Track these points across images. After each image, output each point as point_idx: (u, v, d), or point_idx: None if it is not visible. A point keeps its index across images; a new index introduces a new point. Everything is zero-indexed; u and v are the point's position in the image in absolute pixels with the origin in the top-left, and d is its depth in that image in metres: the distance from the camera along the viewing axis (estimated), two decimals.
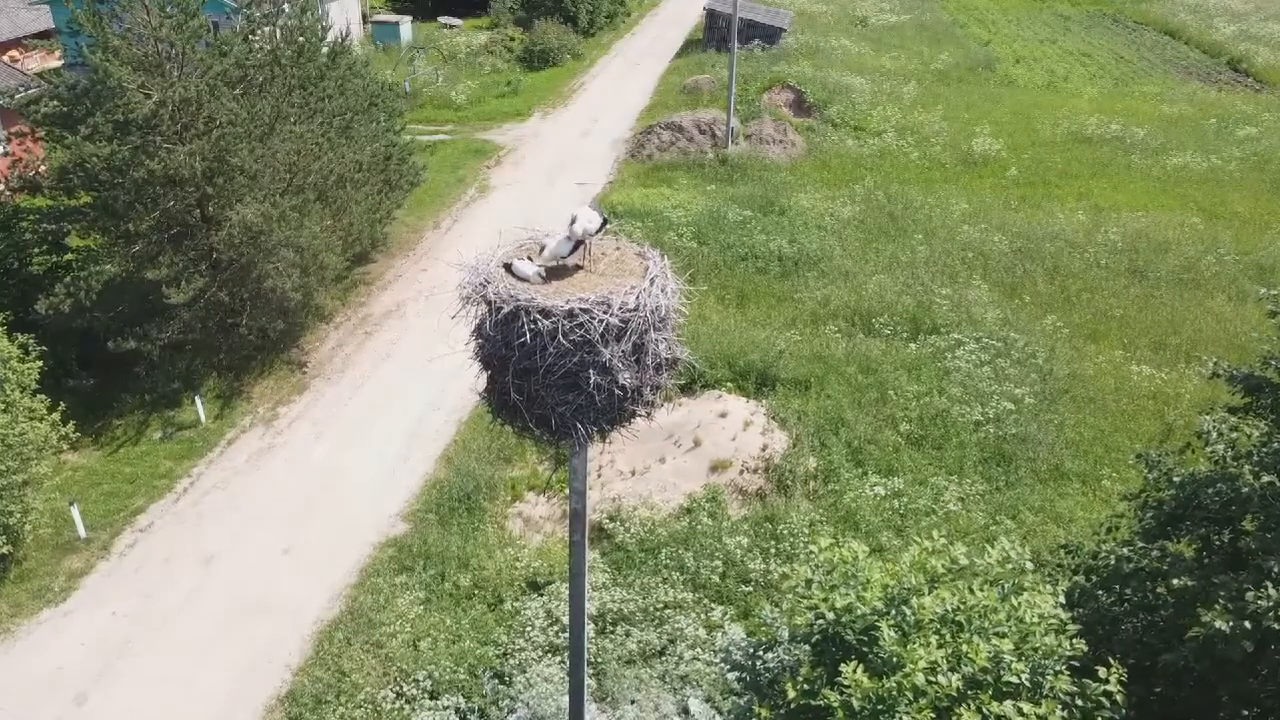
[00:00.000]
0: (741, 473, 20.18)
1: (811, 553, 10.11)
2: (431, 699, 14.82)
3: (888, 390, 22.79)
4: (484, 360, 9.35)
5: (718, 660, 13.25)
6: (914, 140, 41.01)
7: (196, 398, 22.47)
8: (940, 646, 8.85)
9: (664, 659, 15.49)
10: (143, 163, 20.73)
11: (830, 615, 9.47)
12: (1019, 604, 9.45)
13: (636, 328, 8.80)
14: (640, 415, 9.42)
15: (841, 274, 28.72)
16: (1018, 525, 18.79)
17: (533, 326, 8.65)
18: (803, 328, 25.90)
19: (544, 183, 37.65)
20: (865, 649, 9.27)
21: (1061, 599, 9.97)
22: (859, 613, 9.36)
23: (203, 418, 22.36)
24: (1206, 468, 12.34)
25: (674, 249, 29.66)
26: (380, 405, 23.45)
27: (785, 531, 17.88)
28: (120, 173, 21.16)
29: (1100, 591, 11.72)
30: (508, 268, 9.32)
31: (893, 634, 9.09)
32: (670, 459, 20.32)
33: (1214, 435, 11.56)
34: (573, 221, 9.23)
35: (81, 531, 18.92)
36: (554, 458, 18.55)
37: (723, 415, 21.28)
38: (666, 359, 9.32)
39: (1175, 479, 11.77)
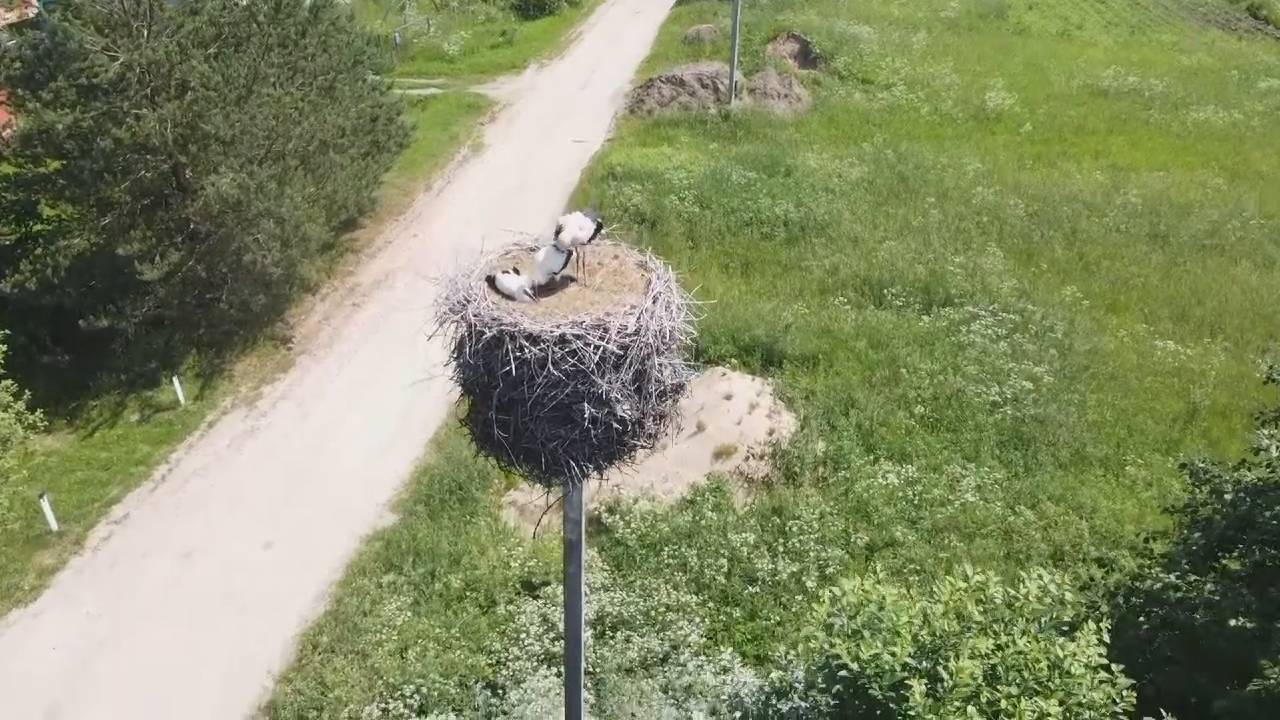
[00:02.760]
0: (747, 459, 19.21)
1: (834, 594, 9.12)
2: (420, 715, 13.98)
3: (900, 368, 21.73)
4: (464, 386, 8.29)
5: (725, 705, 12.36)
6: (924, 94, 39.42)
7: (175, 378, 21.39)
8: (980, 714, 7.90)
9: (666, 667, 14.63)
10: (109, 131, 19.43)
11: (855, 666, 8.54)
12: (1064, 656, 8.49)
13: (637, 355, 7.72)
14: (642, 448, 8.39)
15: (850, 240, 27.49)
16: (1038, 516, 17.85)
17: (518, 354, 7.57)
18: (810, 299, 24.77)
19: (540, 140, 36.17)
20: (893, 705, 8.35)
21: (1106, 636, 9.00)
22: (887, 665, 8.41)
23: (181, 399, 21.32)
24: (1255, 477, 11.37)
25: (675, 214, 28.48)
26: (368, 383, 22.38)
27: (795, 529, 16.93)
28: (86, 141, 19.87)
29: (1141, 618, 10.80)
30: (491, 282, 8.21)
31: (923, 689, 8.17)
32: (672, 444, 19.22)
33: (1274, 452, 10.50)
34: (558, 231, 8.10)
35: (53, 524, 17.99)
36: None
37: (727, 397, 20.25)
38: (671, 385, 8.25)
39: (1226, 496, 10.77)
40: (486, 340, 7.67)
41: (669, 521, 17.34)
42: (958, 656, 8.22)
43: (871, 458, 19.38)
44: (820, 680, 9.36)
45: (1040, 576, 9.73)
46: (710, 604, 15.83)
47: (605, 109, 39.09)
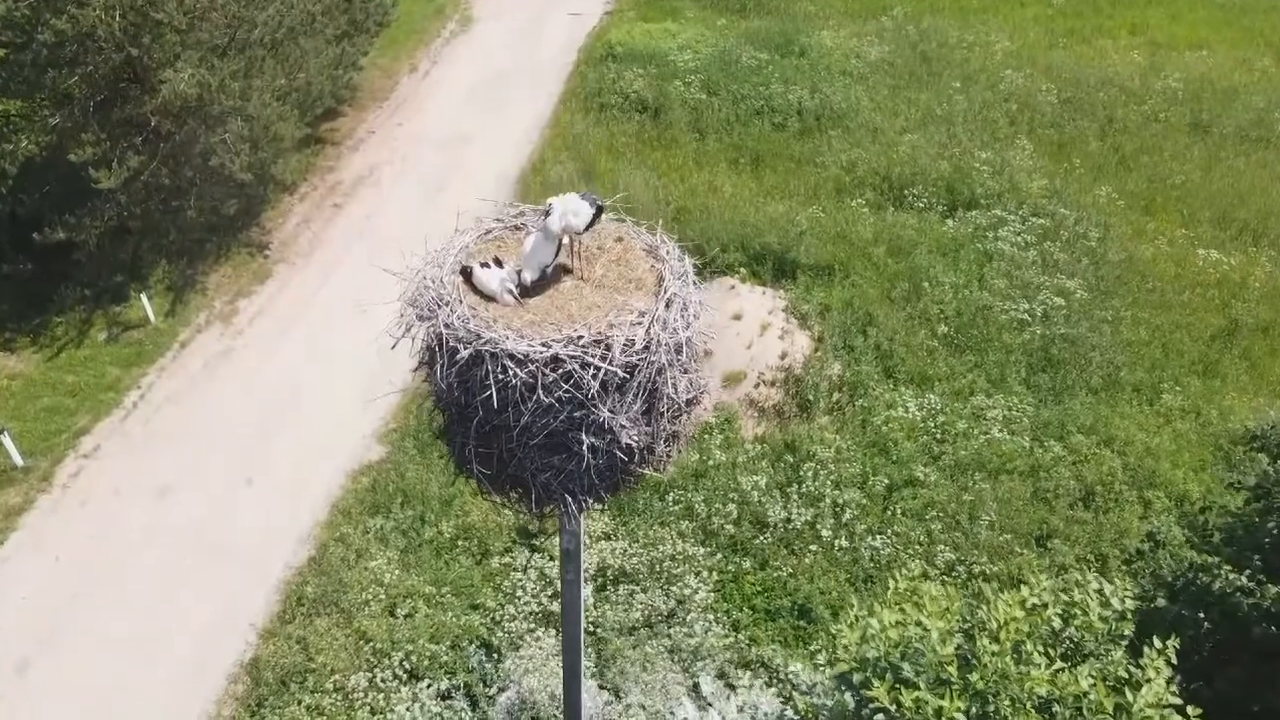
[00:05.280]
0: (758, 386, 17.98)
1: (870, 627, 7.96)
2: (411, 679, 13.15)
3: (921, 281, 20.20)
4: (437, 401, 6.93)
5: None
6: None
7: (144, 294, 19.87)
8: None
9: (672, 627, 13.75)
10: (48, 22, 17.32)
11: (892, 709, 7.48)
12: (1133, 701, 7.41)
13: (647, 376, 6.32)
14: (652, 473, 7.09)
15: (869, 131, 25.45)
16: (1067, 451, 16.70)
17: (501, 376, 6.18)
18: (825, 200, 22.99)
19: (534, 12, 33.30)
20: None
21: (1173, 654, 7.95)
22: (931, 711, 7.33)
23: (151, 316, 19.86)
24: None
25: (680, 101, 26.32)
26: (354, 296, 20.75)
27: (809, 472, 15.80)
28: (23, 32, 17.79)
29: (1201, 613, 9.73)
30: (467, 275, 6.74)
31: None
32: None
33: None
34: (547, 213, 6.58)
35: (17, 459, 16.88)
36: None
37: (737, 318, 18.81)
38: (686, 400, 6.87)
39: None
40: (461, 359, 6.27)
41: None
42: (1015, 710, 7.15)
43: (891, 383, 18.15)
44: (848, 699, 8.38)
45: (1097, 580, 8.65)
46: (719, 555, 14.86)
47: None
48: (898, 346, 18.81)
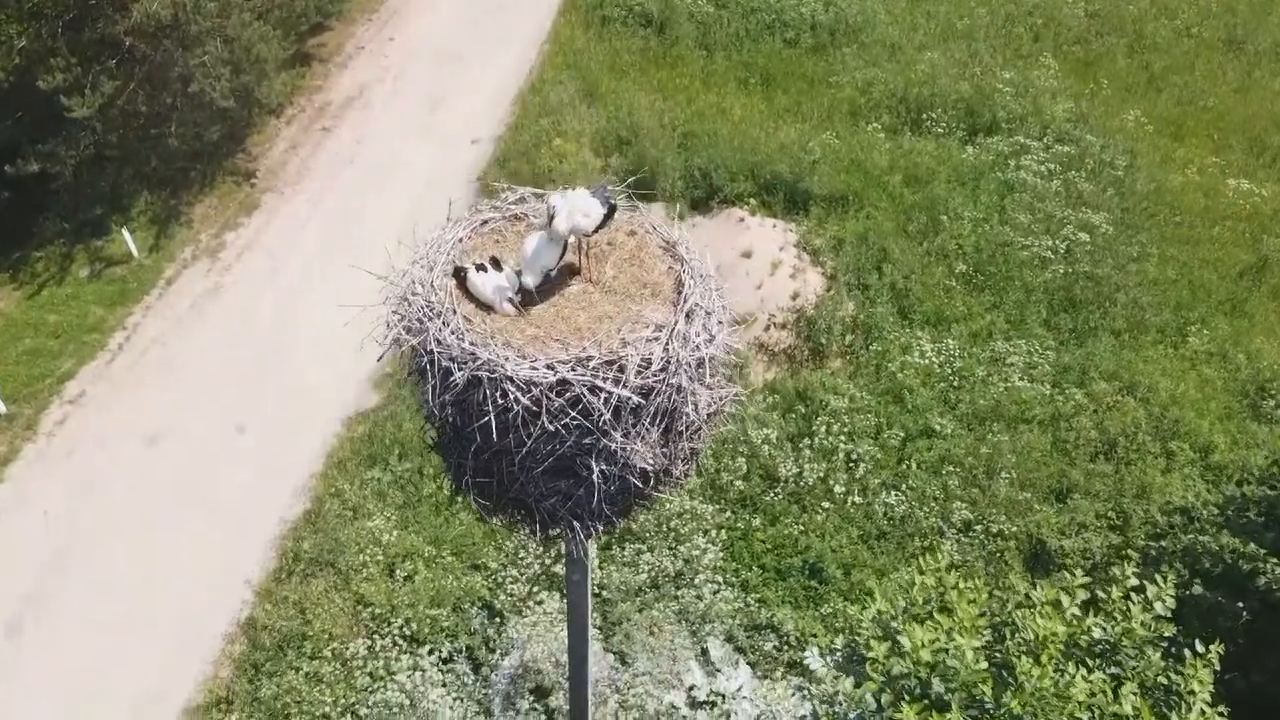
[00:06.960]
0: (768, 328, 17.28)
1: (900, 644, 7.43)
2: (412, 644, 12.81)
3: (939, 214, 19.29)
4: (430, 419, 6.25)
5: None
6: None
7: (125, 229, 18.97)
8: None
9: (679, 586, 13.36)
10: None
11: None
12: None
13: (665, 398, 5.63)
14: (669, 496, 6.47)
15: (885, 48, 24.10)
16: (1089, 399, 16.10)
17: (501, 401, 5.49)
18: (839, 124, 21.85)
19: None
20: None
21: (1215, 660, 7.53)
22: None
23: (134, 251, 18.99)
24: None
25: (687, 14, 24.87)
26: (345, 227, 19.91)
27: (821, 426, 15.18)
28: None
29: (1240, 603, 9.25)
30: (460, 278, 5.99)
31: None
32: None
33: None
34: (551, 214, 5.78)
35: (0, 406, 16.29)
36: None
37: (746, 255, 17.99)
38: (708, 415, 6.19)
39: None
40: (455, 383, 5.57)
41: None
42: None
43: (906, 324, 17.43)
44: (869, 700, 7.95)
45: (1137, 578, 8.12)
46: (727, 512, 14.38)
47: None
48: (914, 285, 18.03)
